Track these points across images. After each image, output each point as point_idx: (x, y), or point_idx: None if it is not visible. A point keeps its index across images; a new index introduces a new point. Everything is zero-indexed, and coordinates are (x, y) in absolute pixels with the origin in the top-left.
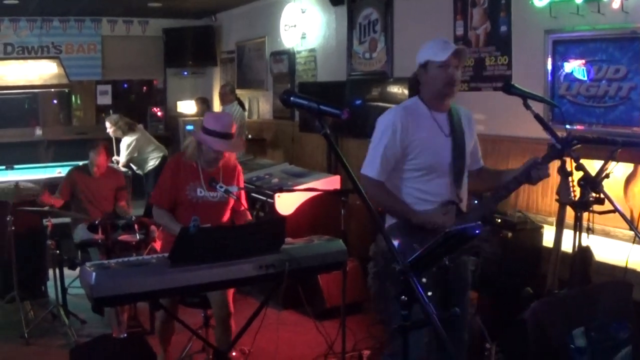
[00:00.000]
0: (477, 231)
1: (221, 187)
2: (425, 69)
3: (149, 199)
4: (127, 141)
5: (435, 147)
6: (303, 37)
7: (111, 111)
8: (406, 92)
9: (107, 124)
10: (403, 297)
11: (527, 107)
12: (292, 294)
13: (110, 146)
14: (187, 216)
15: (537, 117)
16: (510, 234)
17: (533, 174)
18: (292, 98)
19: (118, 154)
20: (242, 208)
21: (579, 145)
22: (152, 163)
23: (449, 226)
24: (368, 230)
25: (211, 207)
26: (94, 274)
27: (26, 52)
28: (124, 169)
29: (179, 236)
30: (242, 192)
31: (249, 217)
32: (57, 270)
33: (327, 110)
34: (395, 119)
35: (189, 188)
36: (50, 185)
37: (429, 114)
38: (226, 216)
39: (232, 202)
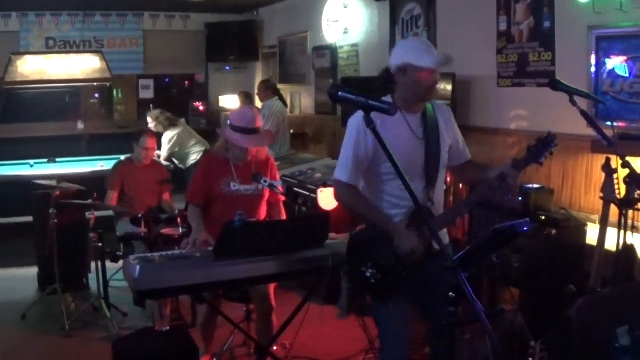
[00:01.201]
0: (525, 228)
1: (265, 181)
2: (404, 71)
3: (186, 196)
4: (168, 136)
5: (406, 150)
6: (345, 32)
7: (151, 106)
8: (449, 87)
9: (149, 119)
10: (451, 293)
11: (574, 103)
12: (334, 289)
13: None
14: (223, 211)
15: (584, 113)
16: (554, 231)
17: (510, 180)
18: (340, 93)
19: (160, 149)
20: (278, 201)
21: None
22: (194, 157)
23: (418, 251)
24: None
25: (246, 200)
26: (137, 267)
27: (68, 47)
28: (166, 163)
29: (223, 230)
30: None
31: (283, 212)
32: (100, 263)
33: (376, 105)
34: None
35: (222, 183)
36: (92, 178)
37: (400, 115)
38: (262, 209)
39: (267, 194)
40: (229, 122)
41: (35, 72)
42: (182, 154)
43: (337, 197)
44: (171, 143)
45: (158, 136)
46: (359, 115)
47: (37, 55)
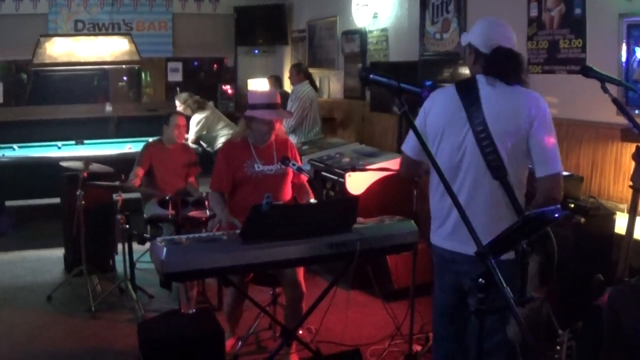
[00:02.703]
0: (556, 215)
1: (294, 164)
2: None
3: (210, 186)
4: (196, 119)
5: None
6: (375, 17)
7: (178, 89)
8: None
9: (177, 102)
10: (480, 280)
11: (605, 90)
12: (361, 274)
13: None
14: (250, 193)
15: (615, 101)
16: (582, 220)
17: None
18: (371, 75)
19: (188, 131)
20: (302, 181)
21: None
22: (222, 140)
23: None
24: None
25: (270, 180)
26: (164, 249)
27: (97, 29)
28: (193, 146)
29: (251, 213)
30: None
31: (311, 193)
32: (126, 245)
33: (407, 89)
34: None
35: (246, 166)
36: (119, 160)
37: None
38: (288, 189)
39: (290, 174)
40: (249, 103)
41: (63, 54)
42: (210, 137)
43: (561, 191)
44: (199, 126)
45: (186, 119)
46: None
47: (66, 38)
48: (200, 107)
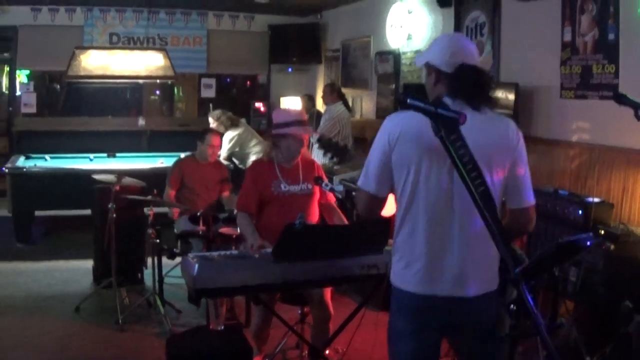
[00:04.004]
0: (588, 243)
1: (327, 185)
2: None
3: (237, 205)
4: (229, 135)
5: None
6: (409, 38)
7: (211, 106)
8: (511, 97)
9: (210, 120)
10: (512, 306)
11: (638, 118)
12: (390, 296)
13: None
14: (277, 213)
15: None
16: (612, 246)
17: None
18: (409, 100)
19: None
20: (329, 201)
21: None
22: (255, 158)
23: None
24: None
25: (298, 199)
26: (196, 265)
27: (132, 43)
28: (225, 163)
29: (283, 232)
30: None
31: (342, 215)
32: (156, 259)
33: (444, 114)
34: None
35: (273, 185)
36: (152, 174)
37: None
38: (314, 209)
39: (317, 193)
40: (276, 122)
41: (98, 67)
42: (243, 154)
43: (534, 223)
44: (232, 143)
45: (220, 137)
46: None
47: (101, 51)
48: (233, 124)
